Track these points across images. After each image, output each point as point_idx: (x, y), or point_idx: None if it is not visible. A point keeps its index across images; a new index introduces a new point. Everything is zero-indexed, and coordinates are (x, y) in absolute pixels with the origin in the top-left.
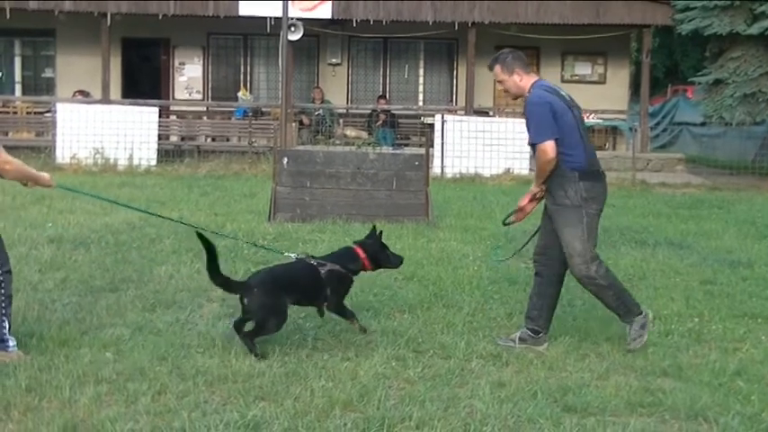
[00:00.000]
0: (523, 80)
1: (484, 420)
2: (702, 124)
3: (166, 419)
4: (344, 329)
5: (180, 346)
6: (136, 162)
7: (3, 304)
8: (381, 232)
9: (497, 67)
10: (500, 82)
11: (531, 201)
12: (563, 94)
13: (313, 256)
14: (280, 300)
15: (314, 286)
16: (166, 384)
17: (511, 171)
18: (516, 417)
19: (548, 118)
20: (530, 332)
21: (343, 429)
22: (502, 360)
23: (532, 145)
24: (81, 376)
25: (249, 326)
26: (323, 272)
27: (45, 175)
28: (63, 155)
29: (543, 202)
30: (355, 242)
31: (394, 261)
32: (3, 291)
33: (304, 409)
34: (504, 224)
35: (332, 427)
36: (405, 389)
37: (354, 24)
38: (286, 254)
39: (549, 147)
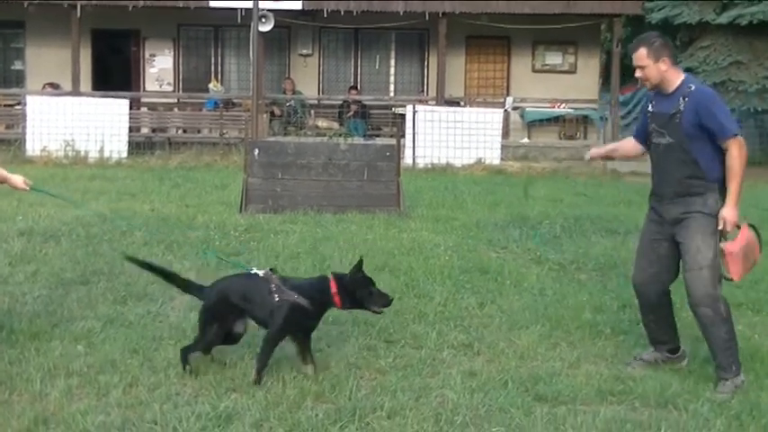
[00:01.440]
0: (669, 71)
1: (455, 410)
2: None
3: (138, 412)
4: None
5: (151, 338)
6: (107, 154)
7: None
8: (360, 262)
9: (642, 50)
10: (640, 68)
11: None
12: None
13: (281, 276)
14: (222, 311)
15: (262, 306)
16: (138, 377)
17: (482, 161)
18: (487, 406)
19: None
20: (668, 353)
21: (314, 420)
22: (473, 350)
23: (723, 140)
24: (52, 369)
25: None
26: (277, 296)
27: (18, 177)
28: (33, 147)
29: (645, 223)
30: (333, 273)
31: (378, 302)
32: None
33: (276, 401)
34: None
35: (303, 418)
36: (376, 379)
37: (325, 15)
38: (253, 270)
39: (742, 140)
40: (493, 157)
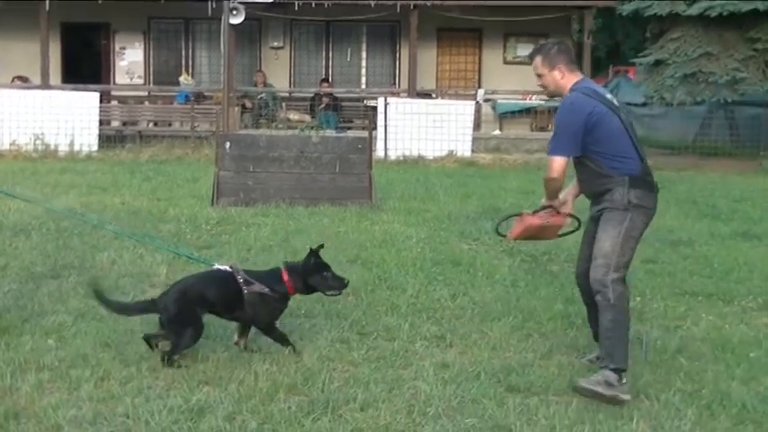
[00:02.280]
0: (565, 78)
1: (428, 401)
2: (644, 104)
3: (110, 406)
4: (288, 313)
5: (123, 332)
6: (77, 148)
7: None
8: (320, 247)
9: (538, 59)
10: (538, 76)
11: (535, 213)
12: (608, 97)
13: (244, 270)
14: (193, 312)
15: (229, 299)
16: (109, 371)
17: (454, 153)
18: (460, 397)
19: (574, 131)
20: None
21: (287, 412)
22: (446, 341)
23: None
24: (22, 363)
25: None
26: (246, 290)
27: None
28: (2, 141)
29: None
30: (285, 263)
31: (333, 285)
32: None
33: (248, 393)
34: (498, 234)
35: (276, 411)
36: (349, 371)
37: (296, 8)
38: (216, 265)
39: (558, 164)
40: (464, 149)
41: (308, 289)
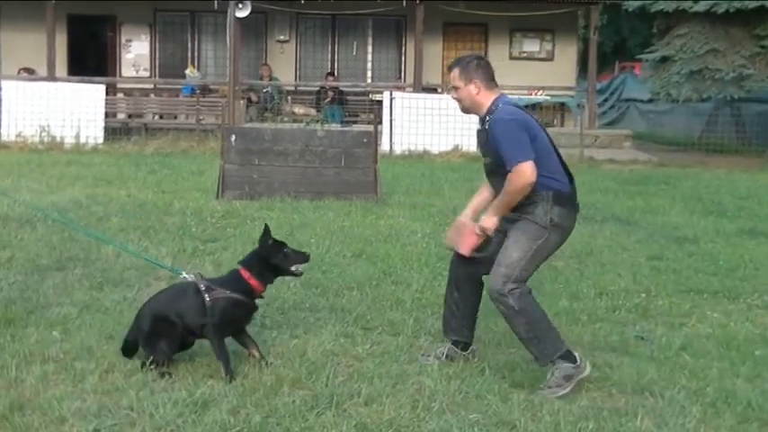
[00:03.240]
0: (481, 94)
1: (432, 397)
2: (650, 101)
3: (114, 398)
4: (293, 307)
5: (128, 324)
6: (83, 140)
7: None
8: (267, 229)
9: (455, 71)
10: (454, 89)
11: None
12: (529, 114)
13: (205, 279)
14: (164, 329)
15: (194, 312)
16: (114, 363)
17: (459, 148)
18: (464, 393)
19: (524, 136)
20: (454, 345)
21: (291, 406)
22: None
23: (508, 170)
24: (27, 355)
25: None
26: (208, 296)
27: None
28: (8, 133)
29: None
30: (239, 262)
31: (297, 259)
32: None
33: (252, 387)
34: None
35: (280, 405)
36: (353, 366)
37: (302, 1)
38: (183, 274)
39: (530, 168)
40: (470, 143)
41: (273, 270)
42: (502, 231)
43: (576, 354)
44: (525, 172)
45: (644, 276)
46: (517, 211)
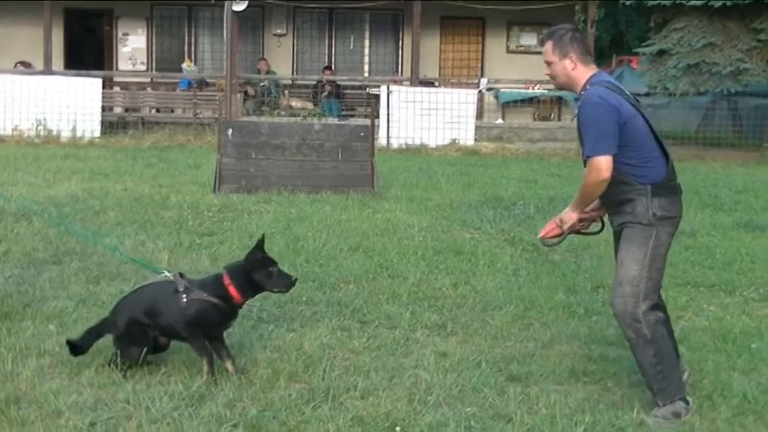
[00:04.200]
0: (577, 69)
1: (428, 390)
2: (647, 94)
3: (110, 392)
4: (290, 300)
5: None
6: (79, 134)
7: None
8: (263, 239)
9: (549, 45)
10: (547, 64)
11: (572, 225)
12: (628, 92)
13: (186, 279)
14: (138, 329)
15: (170, 312)
16: (110, 357)
17: (456, 142)
18: (461, 386)
19: (611, 125)
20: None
21: (288, 400)
22: (446, 330)
23: (584, 159)
24: (24, 349)
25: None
26: (185, 297)
27: None
28: (5, 126)
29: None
30: (226, 267)
31: (279, 283)
32: None
33: (249, 381)
34: (545, 245)
35: (277, 398)
36: (350, 359)
37: None
38: (165, 273)
39: (606, 163)
40: (467, 137)
41: (254, 287)
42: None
43: (690, 398)
44: (600, 168)
45: None
46: (618, 212)
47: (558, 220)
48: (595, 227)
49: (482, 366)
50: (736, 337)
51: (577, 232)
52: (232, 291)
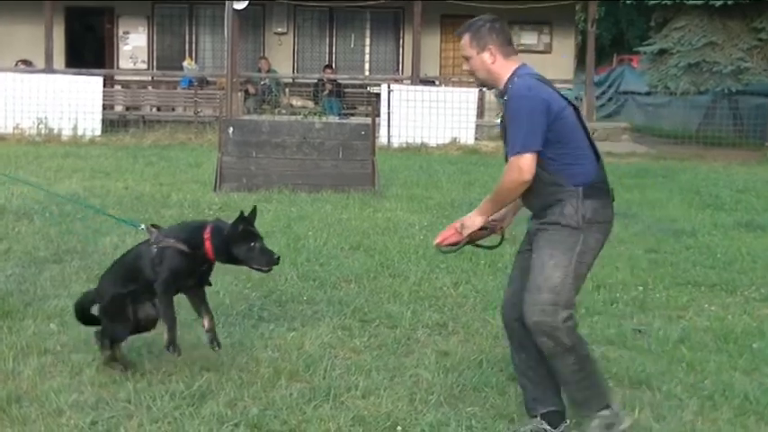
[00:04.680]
0: (497, 63)
1: (429, 389)
2: (647, 94)
3: (111, 390)
4: (290, 299)
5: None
6: (80, 132)
7: None
8: (254, 211)
9: (465, 38)
10: (465, 59)
11: (479, 229)
12: (554, 86)
13: (163, 230)
14: (121, 301)
15: (147, 268)
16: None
17: (457, 141)
18: (462, 386)
19: (540, 121)
20: (548, 423)
21: (289, 399)
22: (448, 329)
23: (508, 157)
24: (25, 348)
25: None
26: (155, 247)
27: None
28: (6, 125)
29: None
30: (216, 219)
31: (260, 260)
32: None
33: (250, 380)
34: (441, 251)
35: (278, 397)
36: (351, 358)
37: None
38: (141, 227)
39: (529, 163)
40: (468, 136)
41: (231, 258)
42: (525, 253)
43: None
44: (522, 167)
45: (641, 269)
46: (543, 215)
47: (458, 225)
48: (494, 240)
49: (483, 366)
50: (737, 337)
51: (473, 242)
52: (207, 247)
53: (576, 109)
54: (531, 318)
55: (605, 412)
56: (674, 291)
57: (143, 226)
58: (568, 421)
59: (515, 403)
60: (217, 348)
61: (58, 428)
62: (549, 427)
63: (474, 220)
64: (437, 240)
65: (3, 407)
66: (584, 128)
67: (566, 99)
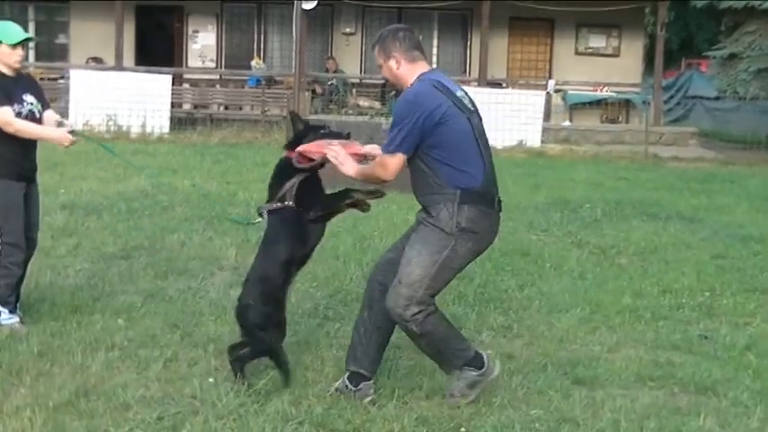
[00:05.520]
0: (402, 68)
1: (494, 392)
2: (716, 98)
3: (177, 386)
4: (356, 299)
5: (191, 313)
6: (149, 129)
7: None
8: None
9: (376, 48)
10: (379, 67)
11: (322, 151)
12: (459, 94)
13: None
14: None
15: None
16: (177, 352)
17: (523, 143)
18: (526, 388)
19: (415, 125)
20: (348, 380)
21: (353, 398)
22: (512, 332)
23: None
24: (93, 342)
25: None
26: (264, 211)
27: (56, 132)
28: (76, 121)
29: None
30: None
31: (333, 135)
32: None
33: (314, 379)
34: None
35: (342, 397)
36: (415, 359)
37: None
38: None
39: (395, 165)
40: (534, 139)
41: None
42: (407, 236)
43: (484, 355)
44: (387, 167)
45: (708, 275)
46: (423, 210)
47: (330, 146)
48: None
49: (547, 369)
50: None
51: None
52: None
53: (472, 120)
54: (388, 302)
55: (472, 373)
56: (741, 297)
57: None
58: (372, 391)
59: (579, 407)
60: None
61: (125, 423)
62: (349, 384)
63: (350, 164)
64: (301, 148)
65: (71, 401)
66: (477, 139)
67: (461, 108)
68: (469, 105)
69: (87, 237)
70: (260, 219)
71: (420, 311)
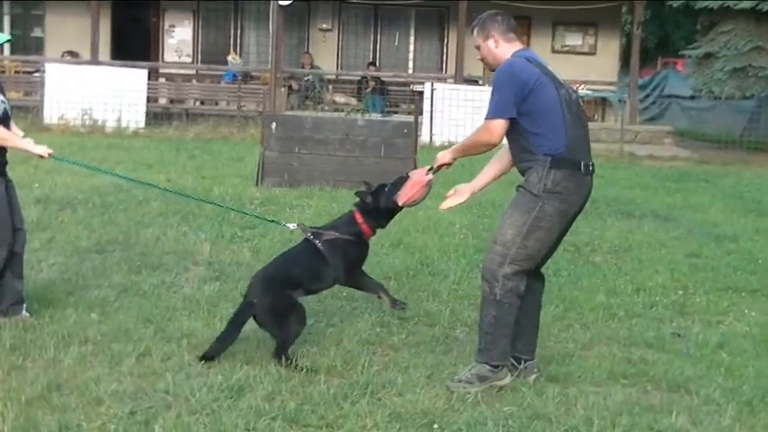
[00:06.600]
0: (500, 47)
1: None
2: (692, 97)
3: (150, 381)
4: (329, 295)
5: (165, 308)
6: (124, 124)
7: None
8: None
9: (475, 30)
10: (477, 48)
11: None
12: (550, 69)
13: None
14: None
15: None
16: (151, 346)
17: None
18: (499, 385)
19: (512, 93)
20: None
21: (326, 394)
22: None
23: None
24: (66, 337)
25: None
26: (319, 243)
27: (37, 148)
28: (51, 115)
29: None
30: (356, 205)
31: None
32: None
33: (288, 375)
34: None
35: (315, 392)
36: (389, 355)
37: None
38: (285, 224)
39: (499, 128)
40: None
41: (387, 215)
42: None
43: (506, 368)
44: (492, 130)
45: (682, 273)
46: (522, 177)
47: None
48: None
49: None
50: None
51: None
52: (363, 228)
53: (561, 91)
54: (485, 262)
55: (487, 368)
56: (714, 295)
57: (293, 225)
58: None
59: (553, 404)
60: (401, 306)
61: (98, 417)
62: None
63: (445, 155)
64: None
65: (44, 395)
66: (563, 109)
67: (552, 80)
68: (558, 79)
69: (61, 231)
70: (292, 226)
71: (512, 271)
